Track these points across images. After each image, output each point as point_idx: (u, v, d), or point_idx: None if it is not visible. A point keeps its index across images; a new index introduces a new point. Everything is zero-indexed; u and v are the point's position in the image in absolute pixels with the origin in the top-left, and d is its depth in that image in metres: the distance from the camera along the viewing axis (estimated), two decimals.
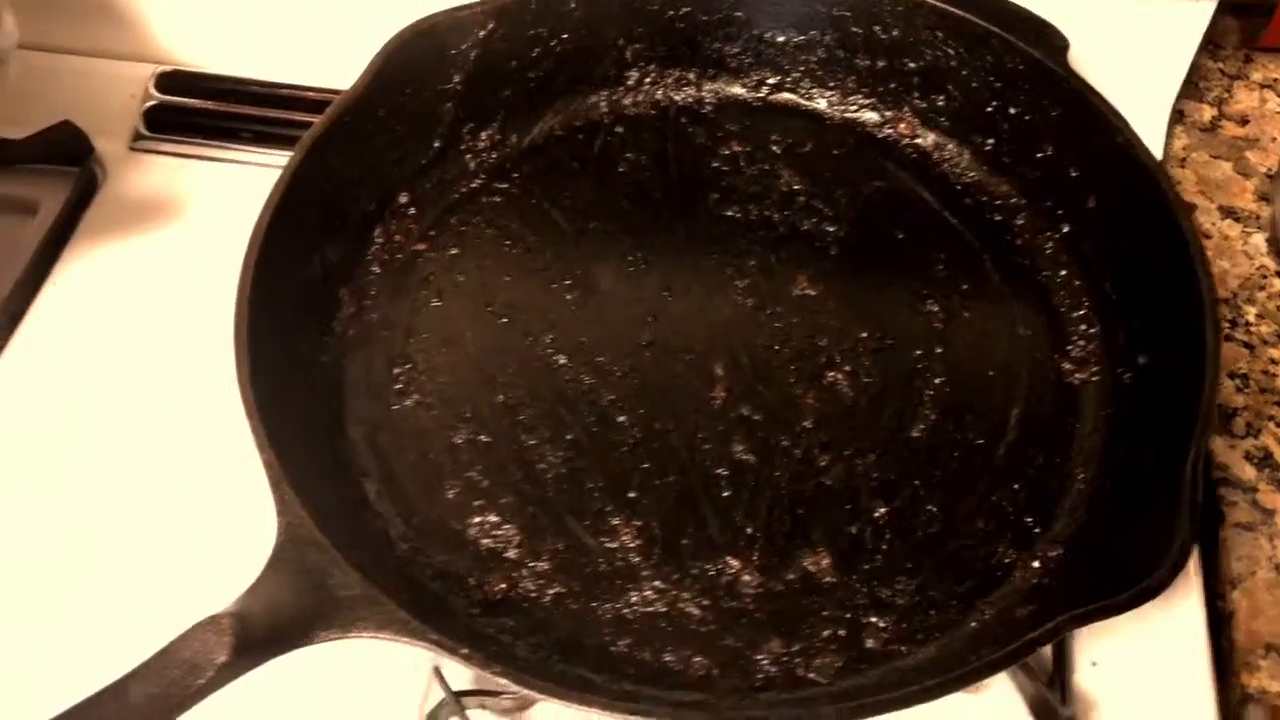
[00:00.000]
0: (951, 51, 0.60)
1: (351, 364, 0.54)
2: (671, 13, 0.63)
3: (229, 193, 0.66)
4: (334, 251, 0.56)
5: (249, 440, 0.52)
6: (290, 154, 0.66)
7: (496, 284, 0.58)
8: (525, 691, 0.40)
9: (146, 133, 0.68)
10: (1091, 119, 0.55)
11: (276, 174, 0.66)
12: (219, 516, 0.52)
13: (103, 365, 0.59)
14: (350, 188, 0.57)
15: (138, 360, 0.59)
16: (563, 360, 0.55)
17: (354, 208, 0.57)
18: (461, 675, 0.48)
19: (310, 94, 0.69)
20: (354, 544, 0.44)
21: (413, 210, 0.59)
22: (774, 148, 0.62)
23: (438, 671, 0.48)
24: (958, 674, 0.42)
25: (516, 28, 0.60)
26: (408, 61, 0.57)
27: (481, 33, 0.59)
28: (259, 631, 0.39)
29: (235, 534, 0.52)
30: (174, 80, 0.70)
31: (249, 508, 0.52)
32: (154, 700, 0.37)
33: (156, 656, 0.38)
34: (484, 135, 0.62)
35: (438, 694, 0.48)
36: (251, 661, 0.39)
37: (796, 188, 0.60)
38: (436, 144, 0.60)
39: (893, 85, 0.62)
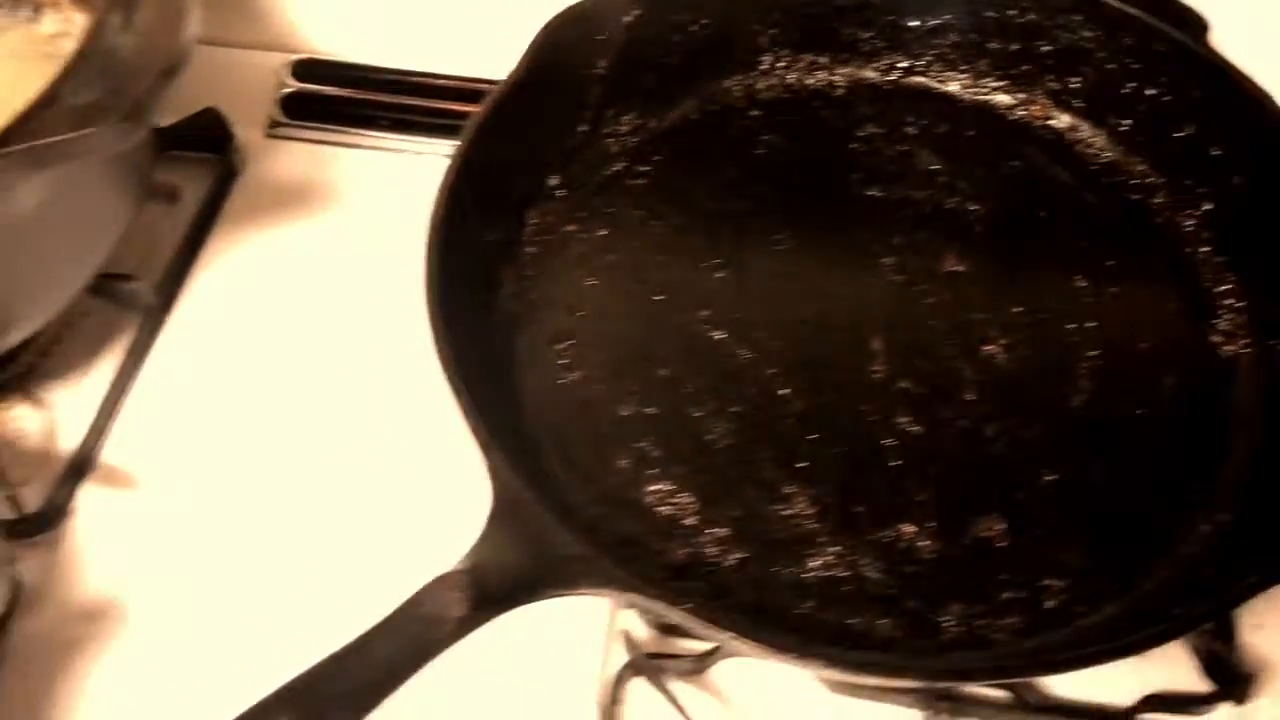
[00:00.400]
0: (1088, 34, 0.61)
1: (518, 340, 0.55)
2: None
3: (366, 178, 0.68)
4: (495, 232, 0.57)
5: (415, 412, 0.56)
6: (424, 139, 0.69)
7: (647, 263, 0.59)
8: (749, 648, 0.41)
9: (284, 119, 0.70)
10: (1238, 99, 0.56)
11: (410, 159, 0.69)
12: (397, 486, 0.55)
13: (261, 344, 0.61)
14: (508, 171, 0.58)
15: (296, 339, 0.61)
16: (720, 336, 0.56)
17: (511, 190, 0.59)
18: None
19: (441, 81, 0.71)
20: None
21: (562, 192, 0.60)
22: (909, 129, 0.64)
23: (627, 635, 0.50)
24: (1154, 632, 0.42)
25: (659, 13, 0.62)
26: (560, 47, 0.58)
27: (627, 18, 0.61)
28: (491, 588, 0.40)
29: (412, 502, 0.54)
30: (309, 68, 0.71)
31: (420, 475, 0.55)
32: (399, 653, 0.39)
33: (398, 612, 0.39)
34: (625, 119, 0.63)
35: (616, 659, 0.50)
36: (485, 616, 0.40)
37: (935, 168, 0.62)
38: (583, 128, 0.61)
39: (1025, 68, 0.64)
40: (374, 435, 0.57)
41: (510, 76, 0.57)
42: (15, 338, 0.54)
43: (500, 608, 0.40)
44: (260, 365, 0.60)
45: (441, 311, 0.49)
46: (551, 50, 0.58)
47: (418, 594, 0.40)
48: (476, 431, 0.45)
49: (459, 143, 0.55)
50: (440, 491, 0.54)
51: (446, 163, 0.67)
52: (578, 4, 0.59)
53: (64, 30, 0.64)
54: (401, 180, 0.68)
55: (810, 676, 0.50)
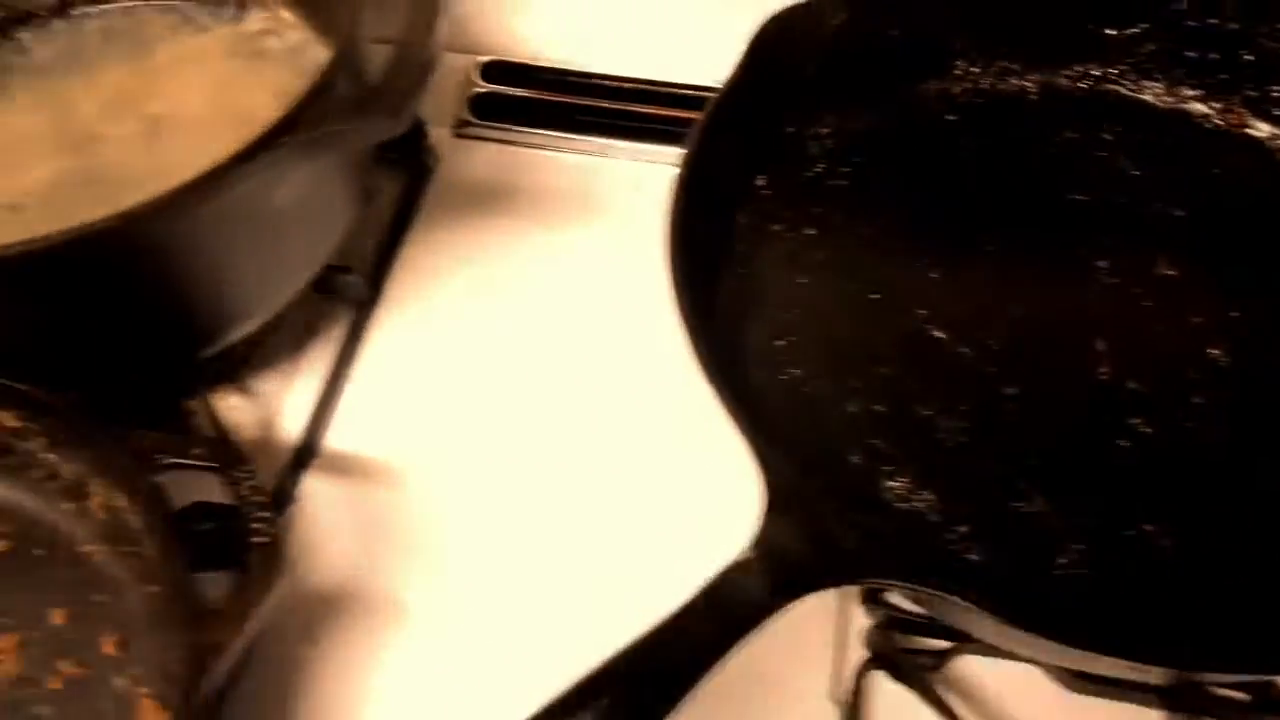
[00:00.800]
0: None
1: (739, 338, 0.56)
2: (1001, 5, 0.65)
3: (555, 178, 0.69)
4: (713, 231, 0.58)
5: (625, 401, 0.59)
6: (611, 141, 0.70)
7: (857, 263, 0.60)
8: (1030, 645, 0.41)
9: (473, 119, 0.71)
10: None
11: (595, 160, 0.70)
12: (620, 470, 0.57)
13: (470, 336, 0.62)
14: (723, 171, 0.58)
15: (502, 331, 0.62)
16: (941, 335, 0.56)
17: (725, 190, 0.59)
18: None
19: (626, 84, 0.72)
20: None
21: (767, 192, 0.61)
22: (1105, 135, 0.64)
23: (874, 631, 0.50)
24: None
25: (863, 17, 0.62)
26: (777, 49, 0.59)
27: (835, 21, 0.61)
28: (783, 575, 0.41)
29: (629, 485, 0.56)
30: (498, 70, 0.72)
31: (634, 460, 0.57)
32: (708, 637, 0.39)
33: (700, 597, 0.40)
34: (825, 122, 0.64)
35: (852, 655, 0.51)
36: (782, 602, 0.40)
37: (1136, 174, 0.62)
38: (789, 130, 0.62)
39: (1223, 76, 0.64)
40: (591, 422, 0.58)
41: (731, 78, 0.58)
42: (254, 325, 0.55)
43: (795, 594, 0.41)
44: (472, 356, 0.61)
45: (691, 308, 0.49)
46: (768, 52, 0.59)
47: (716, 579, 0.40)
48: (742, 425, 0.45)
49: (686, 147, 0.55)
50: (658, 473, 0.56)
51: (631, 164, 0.69)
52: (792, 7, 0.60)
53: (269, 28, 0.66)
54: (589, 181, 0.69)
55: (1046, 675, 0.50)
